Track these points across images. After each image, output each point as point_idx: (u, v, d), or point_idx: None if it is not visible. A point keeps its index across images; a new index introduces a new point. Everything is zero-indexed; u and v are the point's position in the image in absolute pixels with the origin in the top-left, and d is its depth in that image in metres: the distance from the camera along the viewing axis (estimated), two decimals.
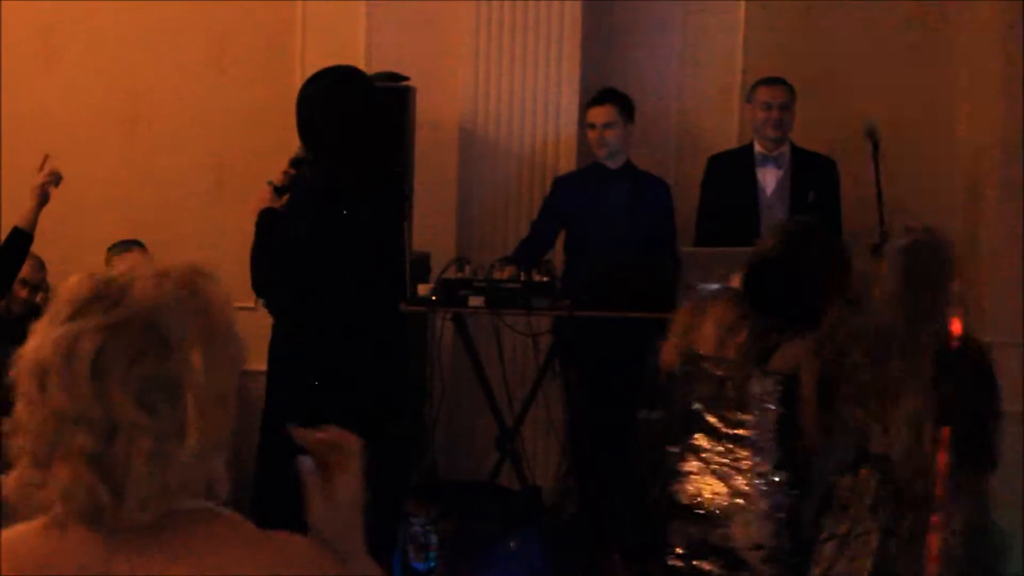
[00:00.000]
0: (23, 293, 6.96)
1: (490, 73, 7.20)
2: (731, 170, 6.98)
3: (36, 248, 7.19)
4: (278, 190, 5.31)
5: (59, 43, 7.56)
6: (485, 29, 7.17)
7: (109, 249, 7.16)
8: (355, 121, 5.18)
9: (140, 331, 1.86)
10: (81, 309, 1.87)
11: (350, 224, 5.12)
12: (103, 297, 1.89)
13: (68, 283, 1.93)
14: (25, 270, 6.95)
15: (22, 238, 5.81)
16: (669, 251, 6.77)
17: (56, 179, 5.98)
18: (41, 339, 1.87)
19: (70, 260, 7.41)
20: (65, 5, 7.52)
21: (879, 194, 6.53)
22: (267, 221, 5.22)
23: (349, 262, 5.13)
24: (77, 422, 1.83)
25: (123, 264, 1.96)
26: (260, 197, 5.31)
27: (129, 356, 1.84)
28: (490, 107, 7.21)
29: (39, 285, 7.06)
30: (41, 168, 5.91)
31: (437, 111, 7.19)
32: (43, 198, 5.94)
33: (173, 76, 7.51)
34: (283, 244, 5.14)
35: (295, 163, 5.36)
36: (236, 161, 7.44)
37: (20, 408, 1.86)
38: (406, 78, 6.97)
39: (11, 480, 1.87)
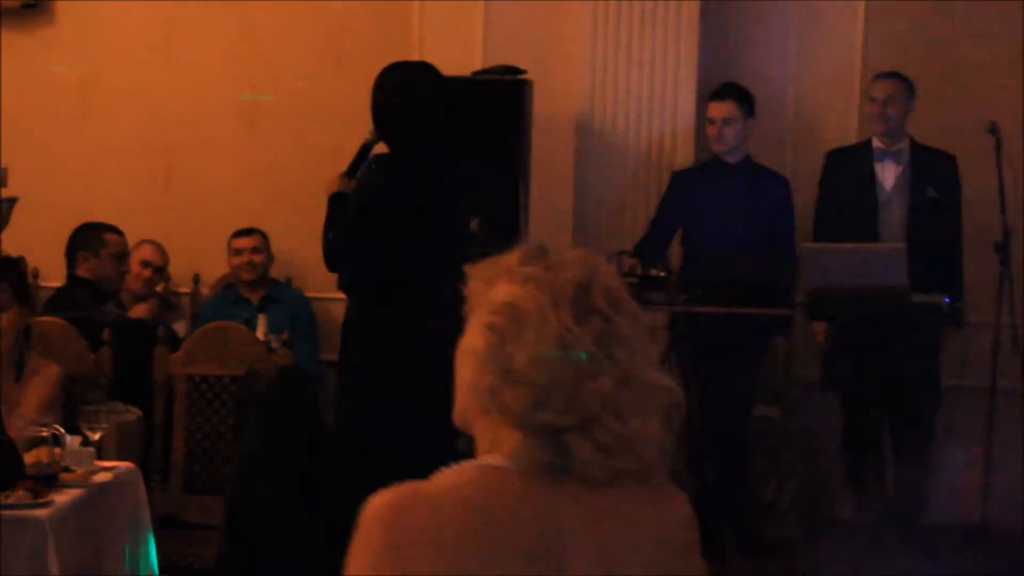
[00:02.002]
0: (147, 272, 7.09)
1: (607, 67, 7.18)
2: (849, 165, 6.91)
3: (158, 239, 7.35)
4: (347, 173, 5.51)
5: (178, 39, 7.66)
6: (602, 22, 7.15)
7: (233, 235, 7.28)
8: (418, 112, 5.36)
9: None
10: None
11: (398, 209, 5.30)
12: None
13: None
14: (147, 252, 7.08)
15: None
16: (787, 247, 6.73)
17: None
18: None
19: (191, 250, 7.54)
20: (184, 3, 7.63)
21: (1001, 192, 6.43)
22: (333, 204, 5.47)
23: (397, 246, 5.29)
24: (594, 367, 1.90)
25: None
26: (331, 180, 5.55)
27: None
28: (607, 101, 7.19)
29: (161, 268, 7.17)
30: None
31: (553, 105, 7.19)
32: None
33: (291, 71, 7.59)
34: (342, 226, 5.37)
35: (363, 148, 5.58)
36: (350, 153, 7.47)
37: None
38: (522, 71, 6.99)
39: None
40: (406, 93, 5.39)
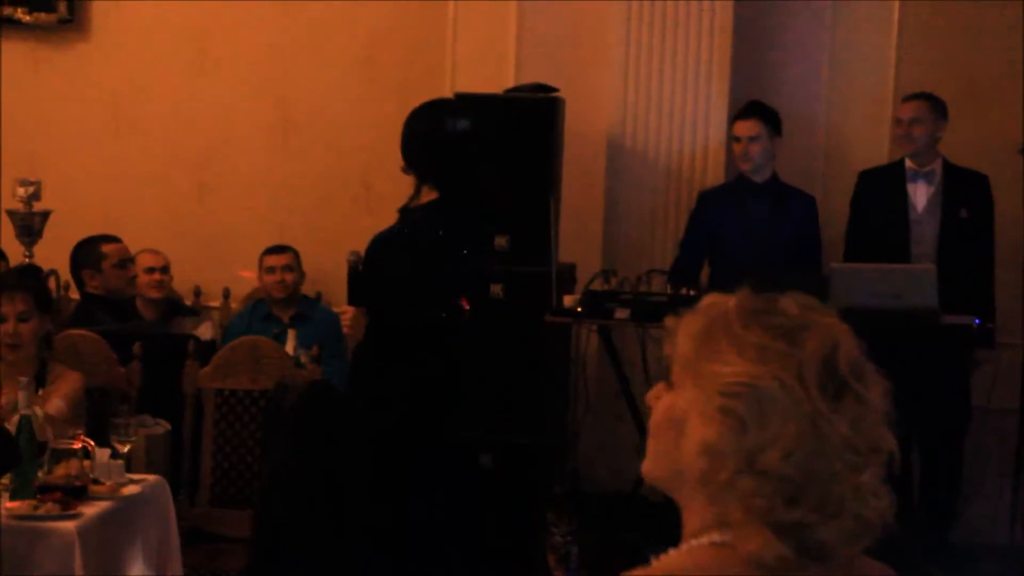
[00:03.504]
0: (156, 276, 7.11)
1: (639, 84, 7.19)
2: (882, 185, 6.89)
3: (190, 252, 7.40)
4: (350, 302, 5.46)
5: (212, 51, 7.71)
6: (635, 41, 7.17)
7: (264, 252, 7.30)
8: (426, 150, 5.30)
9: None
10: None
11: (410, 244, 5.25)
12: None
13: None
14: (148, 259, 7.12)
15: None
16: (813, 266, 6.72)
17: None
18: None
19: (222, 260, 7.58)
20: (218, 12, 7.67)
21: None
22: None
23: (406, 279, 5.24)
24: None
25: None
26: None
27: None
28: (638, 118, 7.20)
29: (166, 268, 7.18)
30: None
31: (585, 122, 7.20)
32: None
33: (322, 84, 7.64)
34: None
35: (352, 271, 5.46)
36: (383, 168, 7.52)
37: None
38: (555, 89, 7.00)
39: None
40: (417, 126, 5.39)
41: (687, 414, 1.75)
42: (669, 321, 1.82)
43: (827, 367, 1.70)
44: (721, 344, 1.73)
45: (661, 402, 1.83)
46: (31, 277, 6.07)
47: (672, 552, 1.77)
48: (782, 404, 1.68)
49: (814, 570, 1.72)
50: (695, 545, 1.75)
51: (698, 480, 1.73)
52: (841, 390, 1.70)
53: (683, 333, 1.79)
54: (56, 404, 5.09)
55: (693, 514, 1.78)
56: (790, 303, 1.77)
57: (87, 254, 6.94)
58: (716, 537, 1.74)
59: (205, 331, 7.00)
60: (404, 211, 5.30)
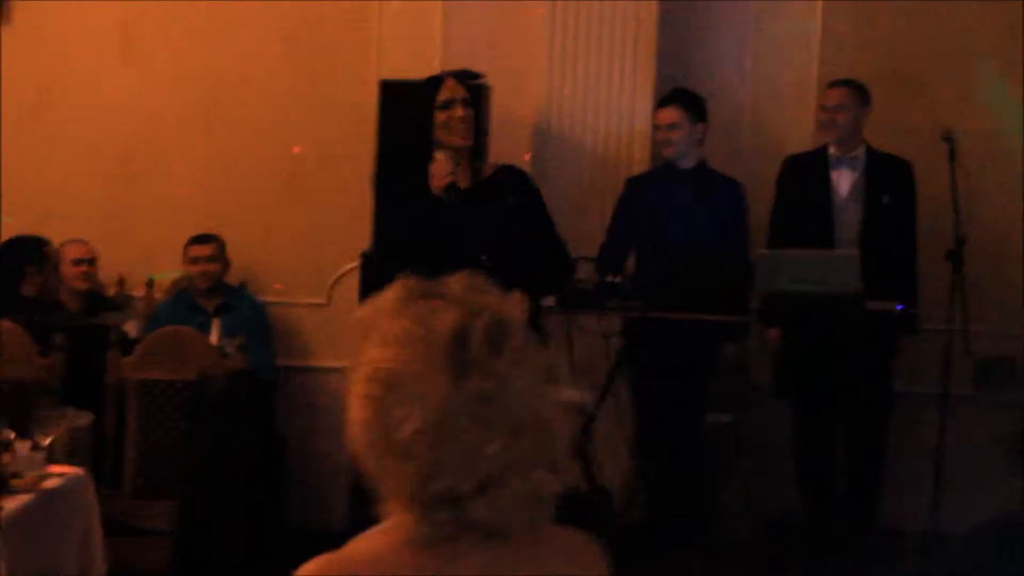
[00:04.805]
0: (83, 268, 7.05)
1: (565, 71, 7.19)
2: (805, 172, 6.93)
3: (115, 241, 7.33)
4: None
5: (136, 40, 7.63)
6: (560, 27, 7.17)
7: (188, 242, 7.25)
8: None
9: None
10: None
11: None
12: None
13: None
14: (77, 250, 7.06)
15: None
16: (740, 253, 6.75)
17: None
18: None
19: (148, 253, 7.51)
20: (142, 4, 7.60)
21: (955, 199, 6.47)
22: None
23: None
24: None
25: None
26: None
27: None
28: (564, 105, 7.20)
29: (93, 260, 7.12)
30: None
31: (511, 109, 7.19)
32: None
33: (248, 72, 7.57)
34: None
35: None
36: (310, 156, 7.50)
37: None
38: (481, 75, 6.99)
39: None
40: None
41: (350, 402, 1.86)
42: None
43: (457, 346, 1.79)
44: (374, 333, 1.84)
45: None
46: None
47: (361, 536, 1.87)
48: (412, 385, 1.77)
49: (496, 548, 1.82)
50: (376, 529, 1.86)
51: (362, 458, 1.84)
52: (470, 368, 1.78)
53: (356, 322, 1.88)
54: None
55: (382, 500, 1.88)
56: (455, 285, 1.86)
57: (34, 253, 6.87)
58: (393, 529, 1.84)
59: (131, 327, 6.95)
60: None
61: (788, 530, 6.85)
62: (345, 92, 7.42)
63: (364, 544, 1.86)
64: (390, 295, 1.87)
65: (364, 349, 1.84)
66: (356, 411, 1.84)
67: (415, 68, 7.13)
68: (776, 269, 6.30)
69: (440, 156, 5.45)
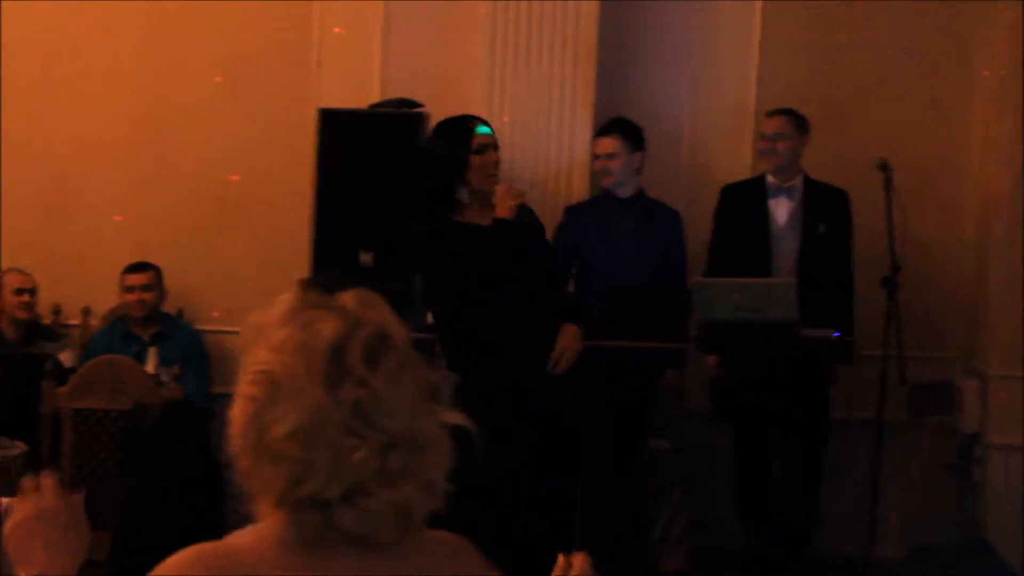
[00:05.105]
0: (25, 298, 7.02)
1: (504, 100, 7.20)
2: (743, 201, 6.96)
3: (49, 271, 7.28)
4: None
5: (70, 65, 7.58)
6: (499, 56, 7.18)
7: (124, 270, 7.21)
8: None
9: None
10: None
11: None
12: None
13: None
14: (17, 280, 7.02)
15: None
16: (679, 281, 6.78)
17: None
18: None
19: (82, 283, 7.46)
20: (79, 28, 7.56)
21: (890, 227, 6.52)
22: None
23: None
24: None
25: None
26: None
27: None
28: (504, 134, 7.19)
29: (34, 290, 7.10)
30: None
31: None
32: None
33: (187, 102, 7.54)
34: None
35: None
36: (248, 184, 7.48)
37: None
38: (420, 105, 7.00)
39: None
40: None
41: (233, 403, 1.92)
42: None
43: (335, 356, 1.84)
44: (262, 338, 1.89)
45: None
46: None
47: (236, 532, 1.91)
48: (288, 389, 1.83)
49: (367, 552, 1.86)
50: (249, 528, 1.91)
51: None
52: (345, 377, 1.84)
53: (247, 327, 1.94)
54: None
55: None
56: (348, 299, 1.92)
57: None
58: (262, 530, 1.89)
59: (67, 357, 6.91)
60: None
61: (727, 557, 6.87)
62: (284, 120, 7.41)
63: (237, 539, 1.90)
64: (282, 303, 1.92)
65: (252, 353, 1.89)
66: (236, 411, 1.89)
67: (354, 97, 7.16)
68: (714, 297, 6.32)
69: (505, 186, 5.79)
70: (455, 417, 1.92)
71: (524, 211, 5.88)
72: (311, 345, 1.85)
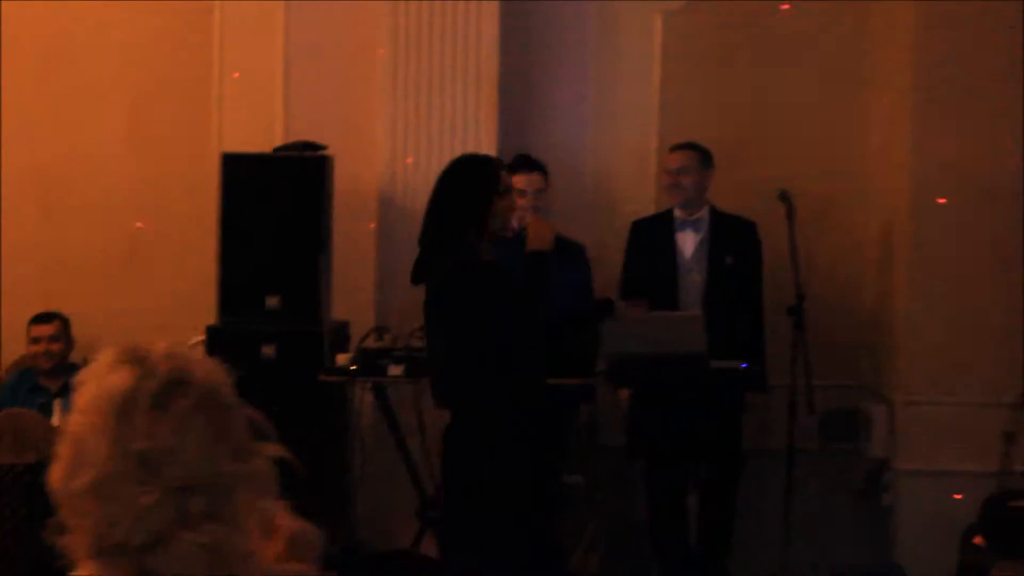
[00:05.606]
0: None
1: (407, 140, 7.21)
2: (651, 235, 6.99)
3: None
4: None
5: None
6: (402, 96, 7.18)
7: (31, 321, 7.13)
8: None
9: None
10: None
11: None
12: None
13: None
14: None
15: None
16: (586, 316, 6.78)
17: None
18: None
19: None
20: None
21: (794, 256, 6.57)
22: None
23: None
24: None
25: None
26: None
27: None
28: (408, 174, 7.21)
29: None
30: None
31: (355, 179, 7.19)
32: None
33: (87, 149, 7.49)
34: None
35: None
36: (153, 231, 7.43)
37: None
38: (324, 147, 6.98)
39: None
40: None
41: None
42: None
43: (122, 407, 1.90)
44: (78, 397, 1.96)
45: None
46: None
47: None
48: (85, 445, 1.90)
49: None
50: None
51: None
52: (132, 429, 1.89)
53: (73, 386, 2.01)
54: None
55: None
56: (156, 349, 1.98)
57: None
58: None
59: None
60: None
61: None
62: (186, 165, 7.37)
63: None
64: (100, 360, 1.97)
65: (73, 411, 1.97)
66: (51, 472, 1.95)
67: (256, 140, 7.13)
68: (622, 331, 6.33)
69: (537, 217, 5.87)
70: (277, 450, 1.99)
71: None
72: (102, 399, 1.91)
